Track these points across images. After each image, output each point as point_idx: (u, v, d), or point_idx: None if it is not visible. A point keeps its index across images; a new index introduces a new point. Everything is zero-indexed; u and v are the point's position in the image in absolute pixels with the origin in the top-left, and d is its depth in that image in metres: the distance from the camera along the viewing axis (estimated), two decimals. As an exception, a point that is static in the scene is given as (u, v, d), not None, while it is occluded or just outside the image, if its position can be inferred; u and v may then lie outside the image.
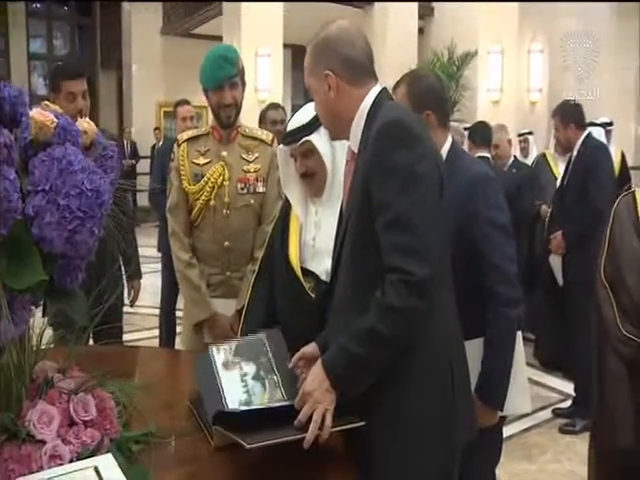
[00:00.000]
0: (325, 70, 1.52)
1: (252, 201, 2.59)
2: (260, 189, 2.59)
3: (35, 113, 1.03)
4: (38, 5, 14.82)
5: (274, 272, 1.99)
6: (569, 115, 4.05)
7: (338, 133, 1.63)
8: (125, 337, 4.29)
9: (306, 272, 1.89)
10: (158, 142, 9.91)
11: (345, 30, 1.57)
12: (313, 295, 1.84)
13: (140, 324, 5.90)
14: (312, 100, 1.68)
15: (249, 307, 2.07)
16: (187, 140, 2.64)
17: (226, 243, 2.57)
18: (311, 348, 1.63)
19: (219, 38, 9.74)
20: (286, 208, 2.03)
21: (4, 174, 0.94)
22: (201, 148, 2.61)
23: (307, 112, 1.86)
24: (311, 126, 1.84)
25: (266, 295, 2.00)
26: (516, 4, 9.09)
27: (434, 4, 10.26)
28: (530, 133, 6.38)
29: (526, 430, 3.82)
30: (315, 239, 1.90)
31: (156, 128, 12.65)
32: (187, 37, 12.52)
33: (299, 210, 1.95)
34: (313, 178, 1.89)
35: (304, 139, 1.85)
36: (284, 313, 1.92)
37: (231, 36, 9.11)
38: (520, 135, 6.36)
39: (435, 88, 2.12)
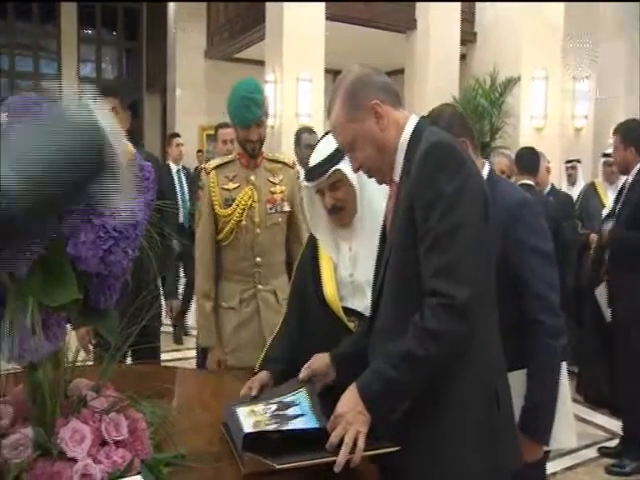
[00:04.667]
0: (371, 101, 1.49)
1: (280, 219, 2.78)
2: (286, 208, 2.79)
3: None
4: (89, 31, 15.31)
5: (305, 310, 1.91)
6: (631, 136, 3.68)
7: (385, 174, 1.57)
8: (165, 357, 4.32)
9: (347, 311, 1.83)
10: (200, 165, 10.05)
11: (365, 66, 1.57)
12: None
13: (184, 344, 5.95)
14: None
15: (272, 343, 2.01)
16: (215, 168, 2.77)
17: (258, 259, 2.73)
18: (318, 363, 1.66)
19: (261, 63, 9.86)
20: (312, 244, 1.96)
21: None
22: (229, 174, 2.75)
23: (329, 144, 1.82)
24: (337, 156, 1.80)
25: (292, 335, 1.93)
26: (561, 29, 8.97)
27: (477, 29, 10.21)
28: (578, 161, 6.19)
29: (570, 468, 3.68)
30: (353, 275, 1.84)
31: (199, 150, 12.84)
32: (230, 61, 12.73)
33: (330, 250, 1.89)
34: (342, 212, 1.83)
35: (333, 169, 1.80)
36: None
37: (273, 61, 9.20)
38: (568, 162, 6.16)
39: (459, 115, 2.09)
